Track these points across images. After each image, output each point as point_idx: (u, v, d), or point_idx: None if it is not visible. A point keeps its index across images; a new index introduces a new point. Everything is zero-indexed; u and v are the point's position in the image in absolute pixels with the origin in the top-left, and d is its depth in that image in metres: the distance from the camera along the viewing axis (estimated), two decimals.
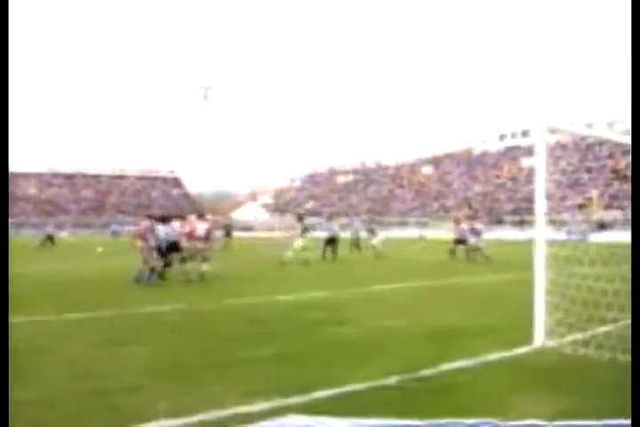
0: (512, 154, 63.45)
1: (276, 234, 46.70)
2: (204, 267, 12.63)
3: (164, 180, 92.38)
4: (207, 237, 13.00)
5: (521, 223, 45.05)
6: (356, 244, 24.87)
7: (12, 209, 61.82)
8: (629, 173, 4.84)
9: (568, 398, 4.17)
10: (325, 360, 5.45)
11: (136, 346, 6.07)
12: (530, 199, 6.76)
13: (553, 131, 5.86)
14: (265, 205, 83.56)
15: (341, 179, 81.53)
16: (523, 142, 61.01)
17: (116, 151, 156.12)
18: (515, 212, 49.73)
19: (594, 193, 42.90)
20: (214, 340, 6.46)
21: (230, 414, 3.84)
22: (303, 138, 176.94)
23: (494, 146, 68.79)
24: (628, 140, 6.00)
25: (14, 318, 6.12)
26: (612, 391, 4.19)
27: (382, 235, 24.15)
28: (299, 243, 18.21)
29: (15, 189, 72.71)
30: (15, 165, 71.21)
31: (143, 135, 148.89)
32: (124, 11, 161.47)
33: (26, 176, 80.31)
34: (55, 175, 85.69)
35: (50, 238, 30.22)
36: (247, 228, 64.63)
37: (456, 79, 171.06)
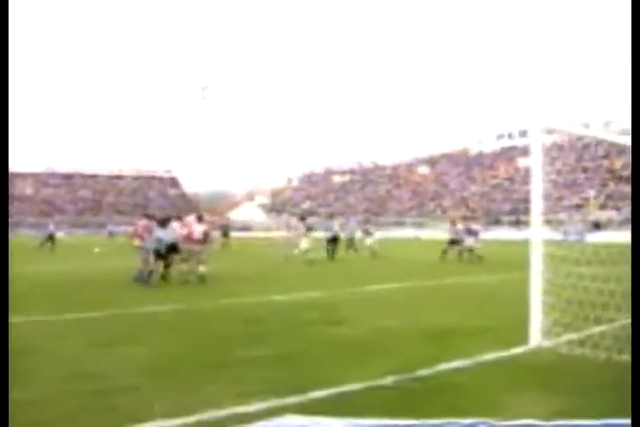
0: (509, 154, 63.59)
1: (274, 234, 46.65)
2: (203, 269, 12.59)
3: (161, 180, 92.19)
4: (204, 240, 12.98)
5: (518, 223, 45.04)
6: (350, 244, 24.76)
7: (9, 209, 61.66)
8: (625, 174, 4.85)
9: (564, 398, 4.19)
10: (322, 360, 5.45)
11: (134, 346, 6.07)
12: (526, 199, 6.77)
13: (550, 131, 5.88)
14: (262, 205, 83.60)
15: (338, 179, 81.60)
16: (519, 143, 61.08)
17: (112, 151, 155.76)
18: (511, 212, 49.80)
19: (590, 193, 42.99)
20: (211, 340, 6.46)
21: (227, 415, 3.85)
22: (300, 138, 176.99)
23: (491, 146, 68.99)
24: (623, 140, 6.02)
25: (13, 318, 6.09)
26: (608, 391, 4.21)
27: (378, 235, 24.14)
28: (304, 243, 18.29)
29: (12, 188, 72.36)
30: (12, 164, 71.02)
31: (140, 135, 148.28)
32: (121, 11, 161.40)
33: (23, 176, 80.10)
34: (52, 175, 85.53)
35: (51, 238, 30.09)
36: (245, 228, 64.60)
37: (453, 79, 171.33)
